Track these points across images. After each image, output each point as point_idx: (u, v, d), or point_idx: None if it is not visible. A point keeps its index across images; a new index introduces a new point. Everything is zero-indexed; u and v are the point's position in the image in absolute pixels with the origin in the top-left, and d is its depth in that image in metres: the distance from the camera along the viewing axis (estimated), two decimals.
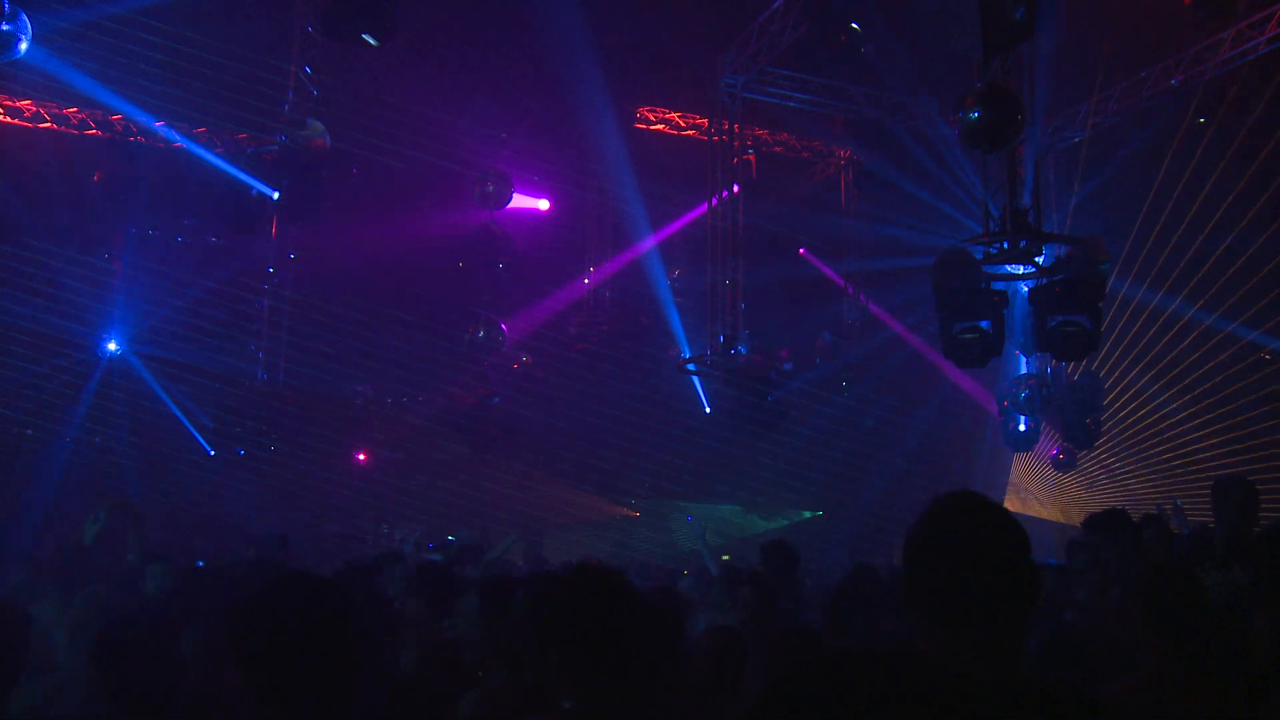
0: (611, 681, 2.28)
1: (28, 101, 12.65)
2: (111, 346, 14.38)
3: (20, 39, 8.65)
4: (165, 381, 14.29)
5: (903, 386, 15.96)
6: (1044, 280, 8.79)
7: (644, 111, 14.35)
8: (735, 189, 12.72)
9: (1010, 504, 16.22)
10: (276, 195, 11.49)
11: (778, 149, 15.00)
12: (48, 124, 12.87)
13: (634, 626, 2.35)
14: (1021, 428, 13.23)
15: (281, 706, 2.04)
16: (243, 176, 11.73)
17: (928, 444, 16.20)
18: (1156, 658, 2.94)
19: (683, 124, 14.48)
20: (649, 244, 14.62)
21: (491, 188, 13.10)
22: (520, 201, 14.17)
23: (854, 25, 10.70)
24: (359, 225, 14.03)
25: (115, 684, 2.72)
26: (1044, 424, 13.42)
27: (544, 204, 15.21)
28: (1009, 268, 8.98)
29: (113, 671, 2.73)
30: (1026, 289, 9.40)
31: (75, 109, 12.81)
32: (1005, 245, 8.54)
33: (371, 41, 10.11)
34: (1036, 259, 8.73)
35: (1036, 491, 16.61)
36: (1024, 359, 13.06)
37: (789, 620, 4.98)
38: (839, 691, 1.58)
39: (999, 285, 8.84)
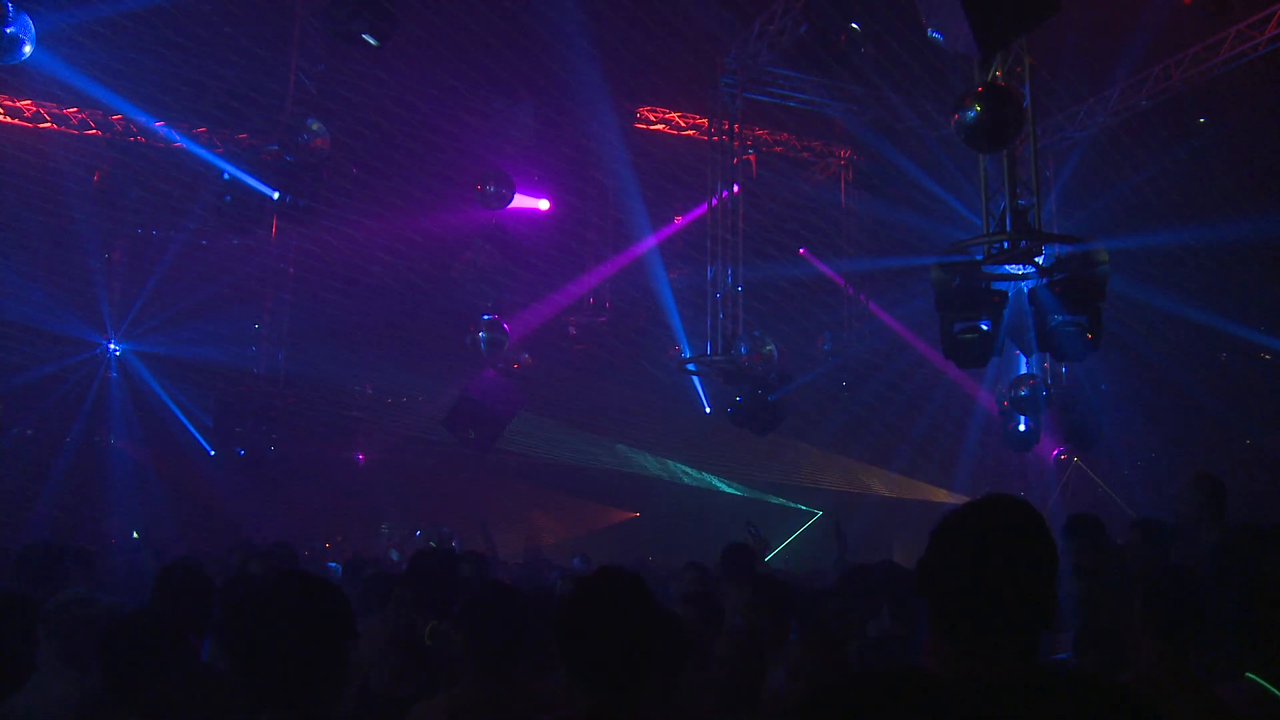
0: (628, 683, 2.29)
1: (28, 101, 12.66)
2: (112, 347, 14.39)
3: (24, 42, 8.63)
4: (165, 381, 14.31)
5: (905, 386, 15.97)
6: (1044, 280, 8.78)
7: (644, 111, 14.34)
8: (735, 189, 12.73)
9: None
10: (276, 195, 11.49)
11: (778, 149, 15.00)
12: (48, 124, 12.87)
13: (653, 629, 2.35)
14: (1021, 428, 13.22)
15: (273, 704, 2.04)
16: (243, 176, 11.73)
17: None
18: (1154, 657, 2.98)
19: (683, 124, 14.48)
20: (649, 244, 14.62)
21: (492, 188, 13.11)
22: (520, 201, 14.17)
23: (854, 25, 10.70)
24: (359, 225, 14.03)
25: (124, 686, 2.68)
26: (1044, 424, 13.42)
27: (544, 204, 15.21)
28: (1009, 268, 8.97)
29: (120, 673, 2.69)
30: (1027, 289, 9.40)
31: (75, 109, 12.81)
32: (1005, 245, 8.53)
33: (371, 41, 10.11)
34: (1036, 259, 8.72)
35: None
36: (1024, 359, 13.06)
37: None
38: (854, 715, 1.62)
39: (999, 285, 8.83)
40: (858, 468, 18.10)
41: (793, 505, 18.89)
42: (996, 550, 1.69)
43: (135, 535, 14.36)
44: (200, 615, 3.82)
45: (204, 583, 4.11)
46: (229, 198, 11.68)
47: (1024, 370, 13.12)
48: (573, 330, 15.93)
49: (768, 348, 12.02)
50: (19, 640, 2.89)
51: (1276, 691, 2.65)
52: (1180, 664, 2.96)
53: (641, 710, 2.33)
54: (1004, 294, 8.76)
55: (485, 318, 13.44)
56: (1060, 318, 8.67)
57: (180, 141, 12.79)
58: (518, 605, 3.17)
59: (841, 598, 4.89)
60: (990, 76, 7.97)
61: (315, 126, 11.35)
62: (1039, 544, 1.72)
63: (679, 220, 15.27)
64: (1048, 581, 1.72)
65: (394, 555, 12.55)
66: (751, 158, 13.72)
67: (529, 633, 3.15)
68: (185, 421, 14.03)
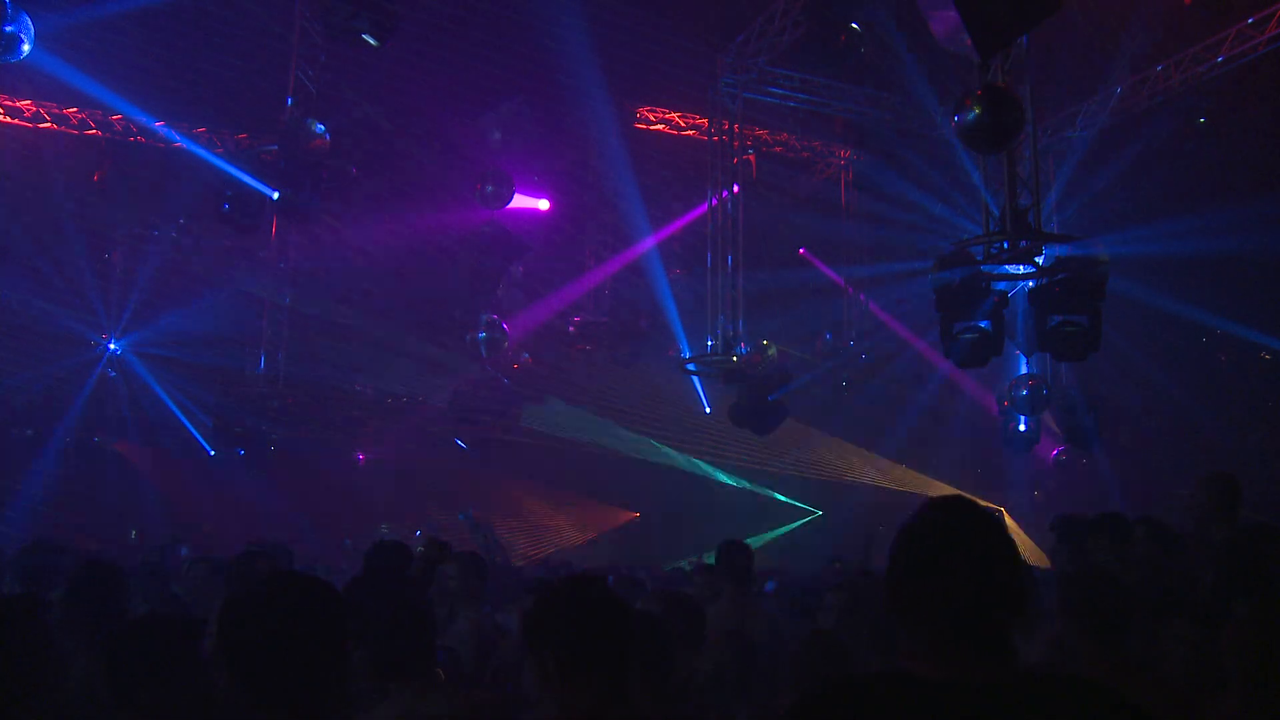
0: (602, 689, 2.30)
1: (28, 101, 12.66)
2: (112, 346, 14.39)
3: (22, 40, 8.65)
4: (165, 381, 14.31)
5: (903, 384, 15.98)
6: (1044, 280, 8.78)
7: (644, 111, 14.34)
8: (735, 189, 12.73)
9: None
10: (276, 195, 11.49)
11: (778, 149, 14.99)
12: (48, 124, 12.87)
13: (626, 636, 2.39)
14: (1021, 428, 13.22)
15: (272, 707, 2.03)
16: (243, 176, 11.73)
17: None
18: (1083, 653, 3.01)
19: (683, 124, 14.47)
20: (649, 244, 14.61)
21: (491, 188, 13.10)
22: (520, 201, 14.17)
23: (854, 25, 10.70)
24: (358, 225, 14.04)
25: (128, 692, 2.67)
26: (1044, 424, 13.42)
27: (544, 204, 15.21)
28: (1009, 268, 8.97)
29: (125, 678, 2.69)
30: (1027, 289, 9.39)
31: (75, 109, 12.81)
32: (1005, 245, 8.53)
33: (372, 41, 10.11)
34: (1036, 259, 8.73)
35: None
36: (1024, 359, 13.06)
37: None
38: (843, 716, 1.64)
39: (999, 285, 8.83)
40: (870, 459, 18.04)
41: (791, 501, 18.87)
42: (958, 549, 1.74)
43: (134, 535, 14.38)
44: (115, 612, 3.85)
45: (118, 578, 4.16)
46: (228, 206, 11.67)
47: (1024, 370, 13.12)
48: (573, 330, 15.94)
49: (769, 349, 12.04)
50: (36, 641, 2.86)
51: None
52: (1113, 658, 2.97)
53: (629, 708, 2.34)
54: (1004, 294, 8.76)
55: (485, 318, 13.45)
56: (1060, 318, 8.67)
57: (180, 141, 12.79)
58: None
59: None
60: (990, 77, 7.97)
61: (315, 126, 11.34)
62: (998, 538, 1.77)
63: (679, 220, 15.27)
64: (1013, 572, 1.77)
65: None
66: (751, 158, 13.71)
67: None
68: (185, 421, 14.03)
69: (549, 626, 2.37)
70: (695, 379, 14.73)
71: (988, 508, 1.86)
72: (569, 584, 2.51)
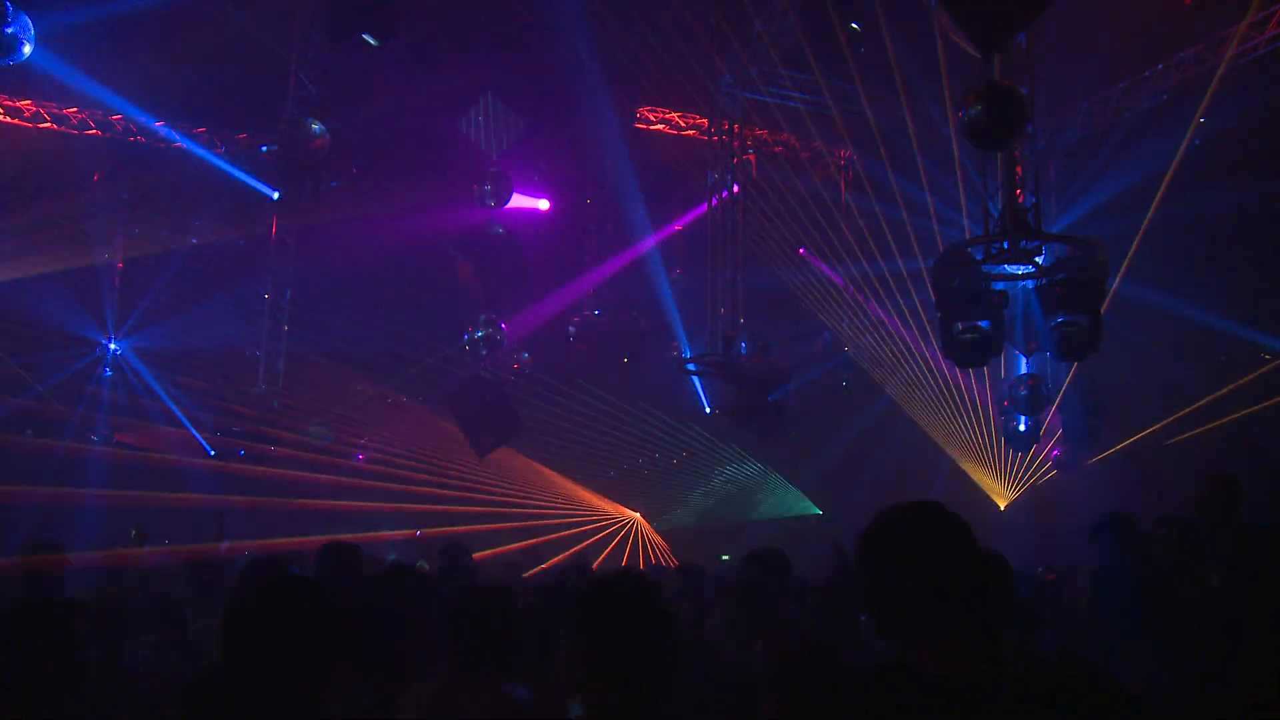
0: (634, 689, 2.29)
1: (28, 101, 12.65)
2: (112, 346, 14.39)
3: (23, 42, 8.66)
4: (165, 381, 14.30)
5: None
6: (1044, 280, 8.79)
7: (644, 111, 14.34)
8: (735, 189, 12.73)
9: None
10: (276, 195, 11.50)
11: (778, 149, 14.99)
12: (48, 124, 12.87)
13: (665, 632, 2.37)
14: (1021, 428, 13.22)
15: (271, 703, 2.04)
16: (243, 176, 11.74)
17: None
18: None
19: (683, 124, 14.47)
20: (649, 244, 14.61)
21: (490, 188, 13.10)
22: (520, 201, 14.16)
23: (854, 25, 10.71)
24: (358, 224, 14.03)
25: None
26: (1044, 424, 13.42)
27: (544, 204, 15.20)
28: (1009, 268, 8.98)
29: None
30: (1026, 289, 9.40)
31: (75, 109, 12.81)
32: (1005, 245, 8.54)
33: (371, 41, 10.12)
34: (1036, 259, 8.74)
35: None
36: (1024, 359, 13.05)
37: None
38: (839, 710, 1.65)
39: (999, 285, 8.84)
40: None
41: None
42: (918, 545, 1.84)
43: (134, 534, 14.34)
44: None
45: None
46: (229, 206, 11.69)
47: (1024, 370, 13.12)
48: (573, 330, 15.93)
49: (769, 349, 12.05)
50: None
51: None
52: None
53: (658, 709, 2.33)
54: (1004, 294, 8.77)
55: (483, 317, 13.44)
56: (1060, 318, 8.68)
57: (180, 141, 12.79)
58: (504, 607, 3.19)
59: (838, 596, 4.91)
60: (992, 75, 7.98)
61: (315, 126, 11.35)
62: (956, 534, 1.87)
63: (679, 221, 15.27)
64: (975, 563, 1.86)
65: (391, 557, 12.56)
66: (751, 157, 13.72)
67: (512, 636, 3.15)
68: (185, 421, 14.02)
69: (587, 622, 2.35)
70: (695, 379, 14.73)
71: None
72: (613, 581, 2.47)
